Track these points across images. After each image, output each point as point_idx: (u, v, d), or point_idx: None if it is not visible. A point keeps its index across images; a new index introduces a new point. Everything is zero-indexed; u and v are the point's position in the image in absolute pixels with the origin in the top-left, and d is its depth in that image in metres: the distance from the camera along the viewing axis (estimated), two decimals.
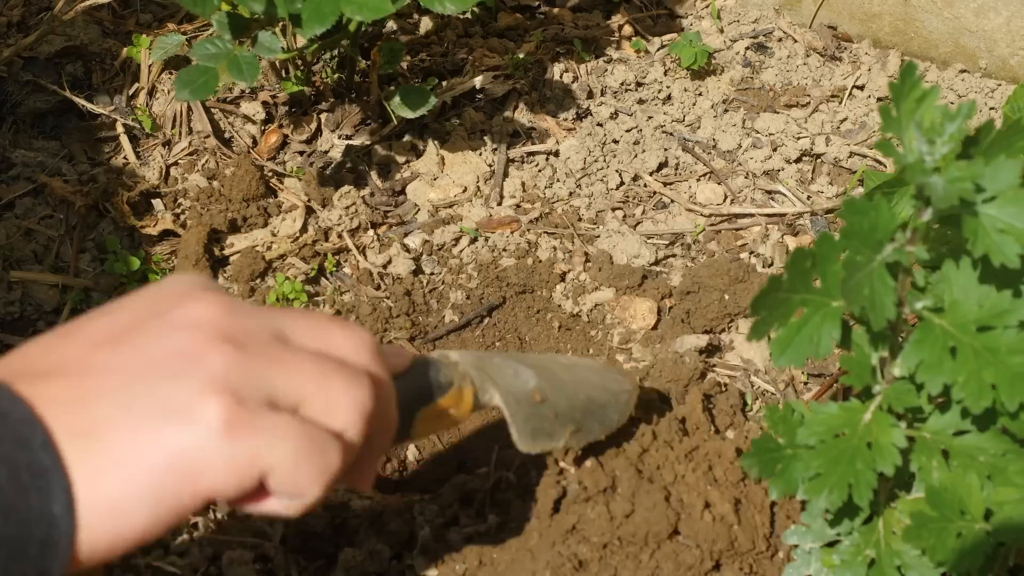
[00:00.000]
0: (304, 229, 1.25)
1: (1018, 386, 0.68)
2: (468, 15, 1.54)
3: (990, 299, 0.71)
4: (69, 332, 0.60)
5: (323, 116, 1.37)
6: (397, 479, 1.15)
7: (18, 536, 0.52)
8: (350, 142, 1.35)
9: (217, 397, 0.56)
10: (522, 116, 1.40)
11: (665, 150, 1.37)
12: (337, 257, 1.23)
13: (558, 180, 1.33)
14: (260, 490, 0.59)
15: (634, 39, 1.53)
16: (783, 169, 1.35)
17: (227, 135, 1.36)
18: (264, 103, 1.38)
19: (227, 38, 1.15)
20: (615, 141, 1.38)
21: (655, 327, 1.17)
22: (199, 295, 0.61)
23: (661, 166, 1.36)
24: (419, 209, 1.30)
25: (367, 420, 0.62)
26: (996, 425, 0.76)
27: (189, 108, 1.36)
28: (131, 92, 1.40)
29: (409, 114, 1.27)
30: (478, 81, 1.43)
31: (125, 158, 1.32)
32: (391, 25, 1.50)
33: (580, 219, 1.29)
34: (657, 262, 1.24)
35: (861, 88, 1.46)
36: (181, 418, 0.56)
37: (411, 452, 1.10)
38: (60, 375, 0.57)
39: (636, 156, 1.36)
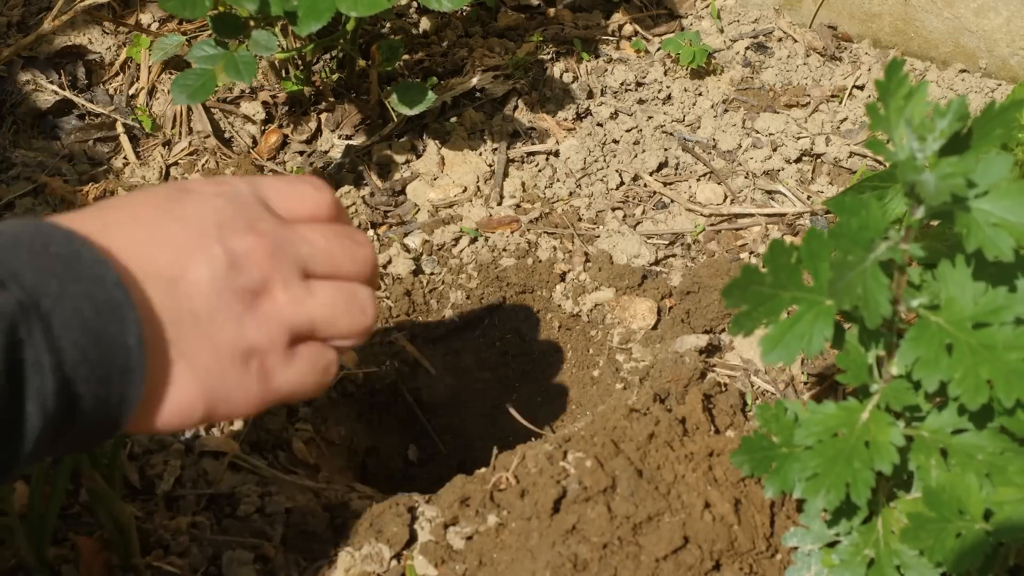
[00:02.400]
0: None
1: (1014, 382, 0.68)
2: (468, 15, 1.54)
3: (985, 296, 0.71)
4: (131, 195, 0.71)
5: (323, 116, 1.37)
6: (397, 479, 1.15)
7: (104, 361, 0.61)
8: (350, 142, 1.35)
9: (275, 324, 0.71)
10: (522, 116, 1.40)
11: (665, 150, 1.37)
12: None
13: (558, 180, 1.33)
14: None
15: (634, 39, 1.53)
16: (783, 169, 1.35)
17: (227, 135, 1.36)
18: (264, 103, 1.38)
19: (223, 39, 1.15)
20: (615, 141, 1.38)
21: (655, 327, 1.17)
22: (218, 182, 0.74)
23: (661, 166, 1.36)
24: (419, 209, 1.30)
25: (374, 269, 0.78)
26: (994, 423, 0.76)
27: (189, 108, 1.36)
28: (131, 92, 1.40)
29: (408, 111, 1.26)
30: (478, 81, 1.43)
31: (125, 158, 1.32)
32: (391, 25, 1.50)
33: (580, 219, 1.29)
34: (657, 262, 1.24)
35: (861, 88, 1.46)
36: (236, 375, 0.69)
37: (411, 451, 1.10)
38: (129, 222, 0.67)
39: (636, 156, 1.36)
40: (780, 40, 1.55)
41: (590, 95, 1.44)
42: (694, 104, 1.43)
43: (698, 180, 1.34)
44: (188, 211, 0.69)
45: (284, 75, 1.36)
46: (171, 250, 0.67)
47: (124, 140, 1.34)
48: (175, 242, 0.68)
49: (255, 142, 1.36)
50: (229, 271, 0.69)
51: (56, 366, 0.59)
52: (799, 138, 1.38)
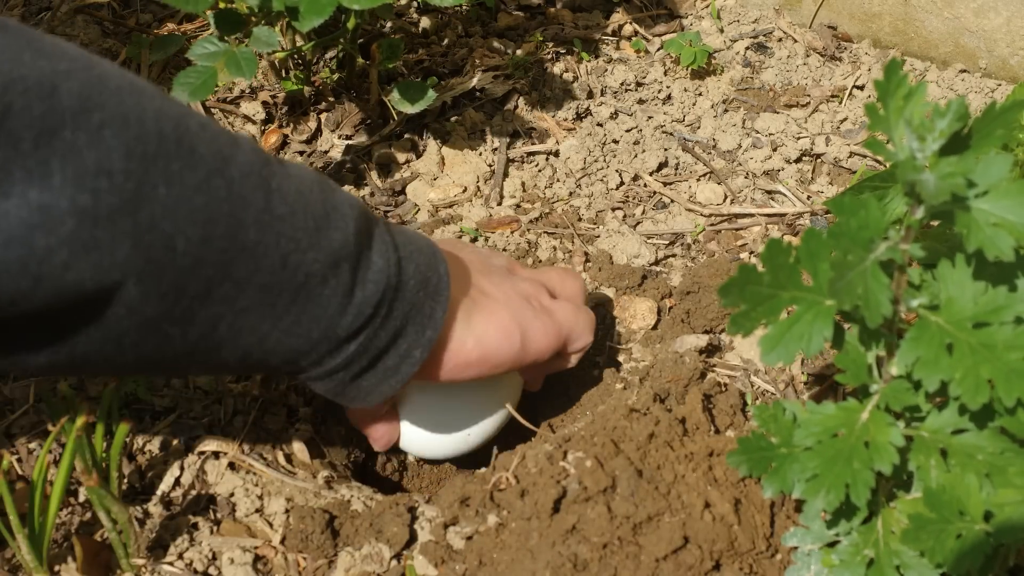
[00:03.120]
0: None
1: (1015, 382, 0.68)
2: (468, 15, 1.54)
3: (985, 295, 0.71)
4: (463, 247, 1.01)
5: (323, 116, 1.38)
6: (397, 479, 1.15)
7: (426, 274, 0.85)
8: (350, 142, 1.35)
9: (536, 291, 0.98)
10: (522, 116, 1.40)
11: (665, 150, 1.37)
12: None
13: (558, 180, 1.34)
14: (558, 357, 1.01)
15: (634, 39, 1.54)
16: (783, 169, 1.35)
17: None
18: (264, 103, 1.38)
19: (224, 36, 1.15)
20: (615, 141, 1.38)
21: (655, 327, 1.17)
22: (502, 258, 1.03)
23: (661, 166, 1.36)
24: (419, 209, 1.30)
25: (586, 296, 1.06)
26: (994, 424, 0.76)
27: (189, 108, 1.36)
28: None
29: (409, 108, 1.26)
30: (478, 81, 1.43)
31: None
32: (391, 24, 1.50)
33: (580, 219, 1.29)
34: (657, 262, 1.24)
35: (861, 88, 1.46)
36: (523, 297, 0.95)
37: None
38: (459, 263, 0.94)
39: (636, 156, 1.36)
40: (780, 40, 1.55)
41: (590, 95, 1.44)
42: (694, 104, 1.44)
43: (698, 180, 1.34)
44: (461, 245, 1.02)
45: (284, 75, 1.36)
46: (447, 248, 0.93)
47: None
48: (449, 245, 0.96)
49: (255, 142, 1.36)
50: (486, 258, 0.99)
51: (396, 247, 0.82)
52: (799, 138, 1.38)
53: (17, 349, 0.67)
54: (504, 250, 1.24)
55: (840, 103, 1.44)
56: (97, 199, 0.63)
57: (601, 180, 1.33)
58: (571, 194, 1.32)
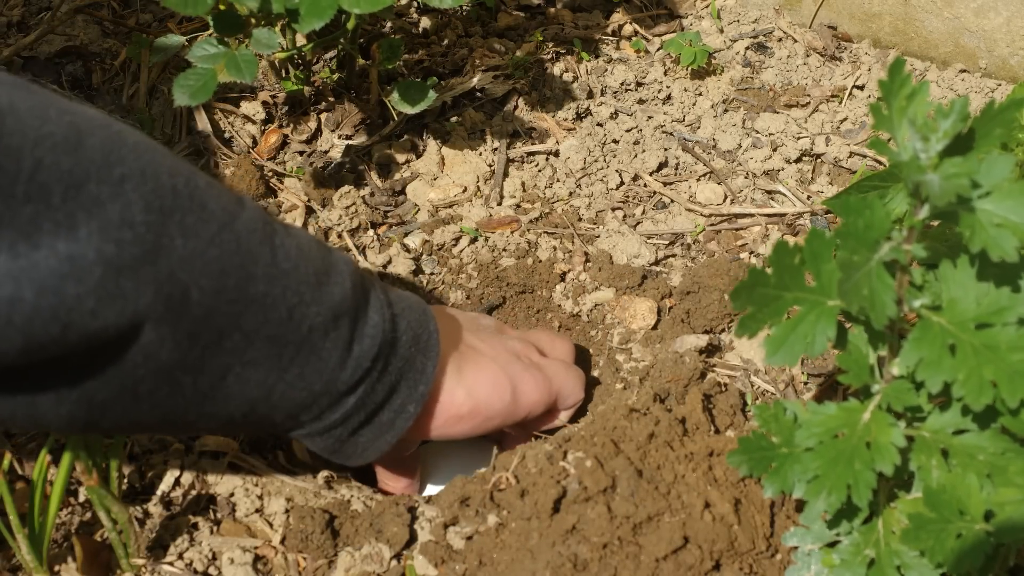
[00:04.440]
0: (304, 229, 1.25)
1: (1018, 383, 0.68)
2: (468, 15, 1.54)
3: (988, 296, 0.71)
4: (452, 311, 1.02)
5: (323, 116, 1.37)
6: None
7: (418, 332, 0.88)
8: (350, 142, 1.35)
9: (525, 348, 1.01)
10: (522, 116, 1.40)
11: (665, 150, 1.37)
12: None
13: (558, 180, 1.33)
14: (549, 414, 1.02)
15: (634, 39, 1.53)
16: (783, 169, 1.35)
17: (227, 135, 1.36)
18: (264, 103, 1.38)
19: (224, 37, 1.15)
20: (615, 141, 1.38)
21: (655, 327, 1.17)
22: (489, 320, 1.07)
23: (661, 166, 1.36)
24: (419, 209, 1.30)
25: (574, 356, 1.08)
26: (996, 424, 0.76)
27: (189, 108, 1.36)
28: (131, 92, 1.40)
29: (409, 109, 1.26)
30: (478, 81, 1.43)
31: None
32: (391, 24, 1.50)
33: (580, 219, 1.29)
34: (657, 262, 1.24)
35: (861, 88, 1.46)
36: (512, 353, 0.98)
37: None
38: (448, 321, 0.97)
39: (636, 156, 1.36)
40: (780, 40, 1.55)
41: (590, 95, 1.44)
42: (694, 104, 1.43)
43: (698, 180, 1.34)
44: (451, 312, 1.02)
45: (284, 75, 1.36)
46: (435, 311, 0.94)
47: None
48: (436, 310, 0.96)
49: (255, 142, 1.36)
50: (474, 319, 1.02)
51: (389, 303, 0.86)
52: (799, 138, 1.38)
53: (38, 398, 0.69)
54: (504, 250, 1.24)
55: (840, 103, 1.44)
56: (121, 249, 0.65)
57: (601, 180, 1.33)
58: (571, 194, 1.32)
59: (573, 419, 1.06)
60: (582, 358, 1.16)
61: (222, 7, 1.16)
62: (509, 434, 1.07)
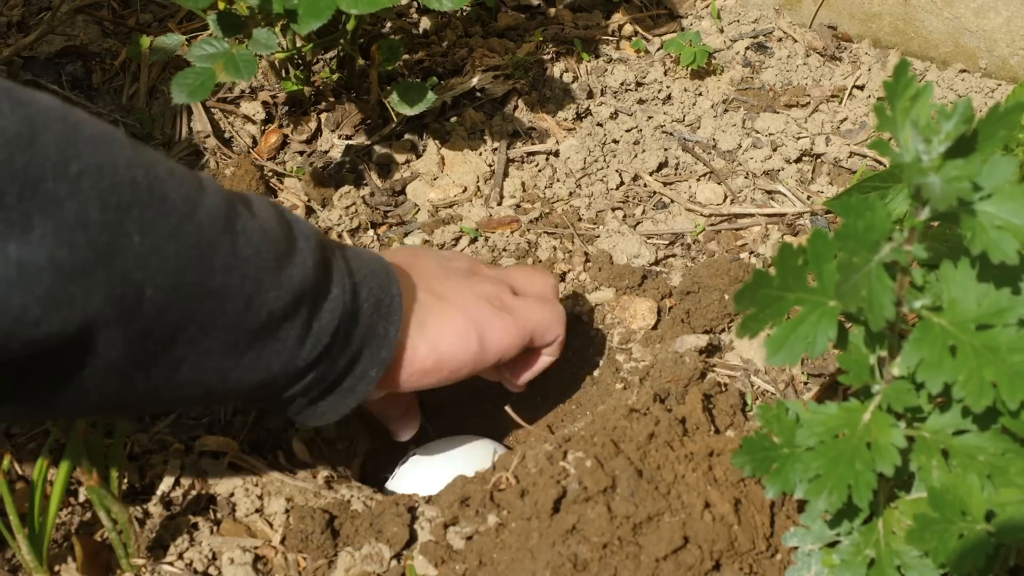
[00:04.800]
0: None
1: (1018, 384, 0.68)
2: (468, 15, 1.54)
3: (989, 297, 0.71)
4: (390, 251, 1.01)
5: (323, 116, 1.37)
6: None
7: (381, 297, 0.86)
8: (350, 142, 1.35)
9: (498, 291, 0.97)
10: (522, 116, 1.40)
11: (665, 150, 1.37)
12: None
13: (558, 180, 1.33)
14: (531, 354, 1.02)
15: (634, 39, 1.53)
16: (783, 169, 1.35)
17: (227, 135, 1.36)
18: (264, 103, 1.38)
19: (223, 37, 1.15)
20: (615, 141, 1.38)
21: (655, 327, 1.17)
22: (462, 260, 1.02)
23: (661, 166, 1.36)
24: (419, 209, 1.30)
25: (556, 292, 1.05)
26: (996, 424, 0.76)
27: (189, 108, 1.36)
28: (131, 92, 1.40)
29: (408, 110, 1.26)
30: (478, 81, 1.43)
31: None
32: (391, 25, 1.50)
33: (580, 219, 1.29)
34: (657, 262, 1.24)
35: (861, 88, 1.46)
36: (483, 298, 0.94)
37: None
38: (416, 271, 0.93)
39: (636, 156, 1.36)
40: (780, 40, 1.55)
41: (590, 95, 1.44)
42: (694, 104, 1.44)
43: (698, 180, 1.34)
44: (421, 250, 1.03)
45: (284, 75, 1.36)
46: (404, 258, 0.95)
47: None
48: (399, 252, 0.98)
49: (255, 142, 1.36)
50: (445, 262, 0.98)
51: (350, 272, 0.83)
52: (799, 138, 1.38)
53: None
54: (504, 250, 1.24)
55: (840, 103, 1.44)
56: (73, 253, 0.63)
57: (601, 180, 1.33)
58: (571, 194, 1.32)
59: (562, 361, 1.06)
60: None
61: (221, 5, 1.16)
62: (506, 376, 1.05)
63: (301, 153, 1.35)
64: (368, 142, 1.35)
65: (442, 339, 0.90)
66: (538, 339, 0.99)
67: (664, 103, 1.44)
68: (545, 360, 1.03)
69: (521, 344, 0.97)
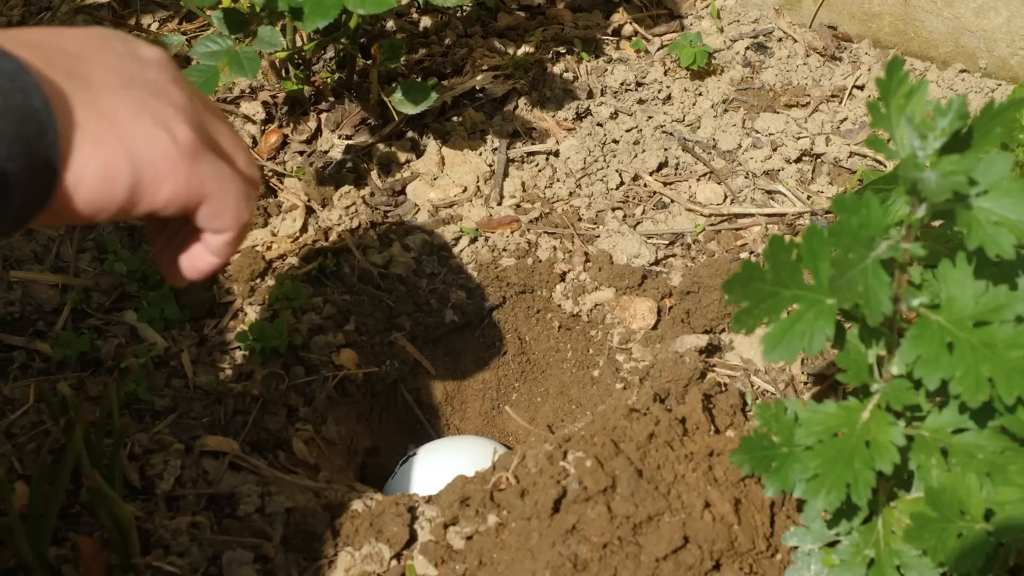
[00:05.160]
0: (304, 229, 1.25)
1: (1015, 380, 0.68)
2: (468, 15, 1.54)
3: (986, 294, 0.71)
4: (71, 32, 0.73)
5: (323, 116, 1.37)
6: None
7: (21, 131, 0.63)
8: (350, 142, 1.35)
9: (186, 124, 0.72)
10: (522, 116, 1.40)
11: (665, 150, 1.37)
12: (337, 257, 1.23)
13: (558, 180, 1.33)
14: (190, 237, 0.77)
15: (634, 39, 1.53)
16: (783, 169, 1.35)
17: None
18: (264, 103, 1.38)
19: (227, 35, 1.15)
20: (615, 141, 1.38)
21: (655, 327, 1.17)
22: (152, 46, 0.76)
23: (661, 166, 1.36)
24: (419, 209, 1.30)
25: (258, 188, 0.80)
26: (995, 422, 0.76)
27: None
28: None
29: (411, 109, 1.26)
30: (478, 81, 1.43)
31: None
32: (391, 24, 1.50)
33: (580, 219, 1.29)
34: (657, 262, 1.24)
35: (861, 88, 1.46)
36: (163, 127, 0.71)
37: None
38: (66, 55, 0.70)
39: (636, 156, 1.36)
40: (780, 40, 1.55)
41: (590, 95, 1.44)
42: (694, 104, 1.43)
43: (698, 180, 1.34)
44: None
45: (284, 75, 1.36)
46: (73, 41, 0.72)
47: None
48: (78, 37, 0.73)
49: (255, 142, 1.36)
50: (133, 65, 0.73)
51: None
52: (799, 138, 1.38)
53: None
54: (504, 250, 1.24)
55: (840, 103, 1.44)
56: None
57: (601, 180, 1.33)
58: (571, 194, 1.32)
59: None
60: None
61: (226, 2, 1.16)
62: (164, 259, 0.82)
63: (301, 153, 1.35)
64: (368, 142, 1.35)
65: (83, 177, 0.70)
66: (205, 214, 0.75)
67: (664, 103, 1.44)
68: (207, 257, 0.79)
69: (183, 205, 0.74)
